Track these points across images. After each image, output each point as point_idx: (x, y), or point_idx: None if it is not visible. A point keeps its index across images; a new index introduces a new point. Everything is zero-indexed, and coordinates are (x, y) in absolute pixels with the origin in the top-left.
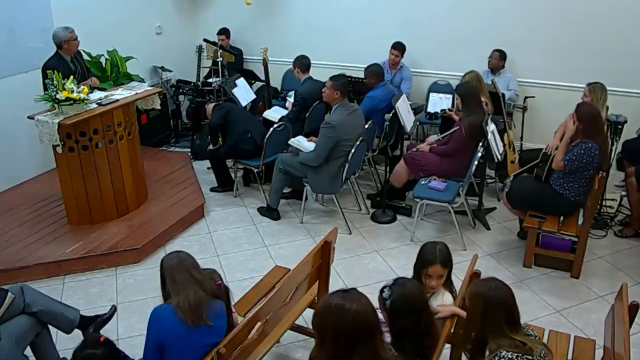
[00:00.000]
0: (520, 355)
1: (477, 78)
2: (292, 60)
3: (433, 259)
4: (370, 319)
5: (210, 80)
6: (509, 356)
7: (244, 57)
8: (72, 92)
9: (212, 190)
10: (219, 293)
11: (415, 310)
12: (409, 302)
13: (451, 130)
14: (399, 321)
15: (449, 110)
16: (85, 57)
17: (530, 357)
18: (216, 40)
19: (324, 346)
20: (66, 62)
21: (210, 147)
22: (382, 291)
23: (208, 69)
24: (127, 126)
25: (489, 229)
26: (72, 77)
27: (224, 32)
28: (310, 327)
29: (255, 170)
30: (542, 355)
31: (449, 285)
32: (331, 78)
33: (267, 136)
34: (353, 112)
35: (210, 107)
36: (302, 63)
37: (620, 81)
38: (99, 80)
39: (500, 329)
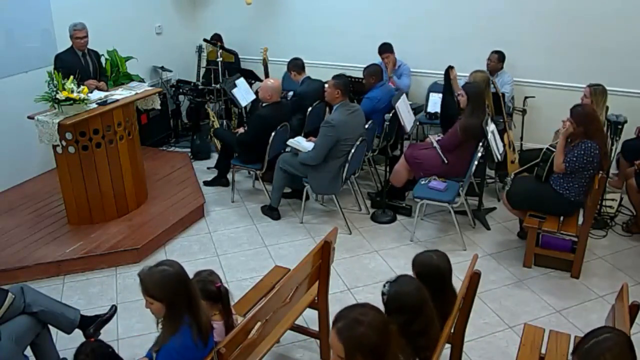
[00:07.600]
0: None
1: (487, 80)
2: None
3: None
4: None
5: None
6: None
7: (240, 57)
8: (72, 92)
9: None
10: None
11: (408, 310)
12: (402, 301)
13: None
14: (392, 318)
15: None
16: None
17: None
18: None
19: None
20: (77, 56)
21: (241, 130)
22: (384, 285)
23: (205, 69)
24: (127, 126)
25: (489, 229)
26: (72, 77)
27: (217, 38)
28: (310, 327)
29: (258, 172)
30: None
31: None
32: (333, 77)
33: (271, 139)
34: (353, 112)
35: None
36: (296, 65)
37: (620, 81)
38: (107, 85)
39: None
